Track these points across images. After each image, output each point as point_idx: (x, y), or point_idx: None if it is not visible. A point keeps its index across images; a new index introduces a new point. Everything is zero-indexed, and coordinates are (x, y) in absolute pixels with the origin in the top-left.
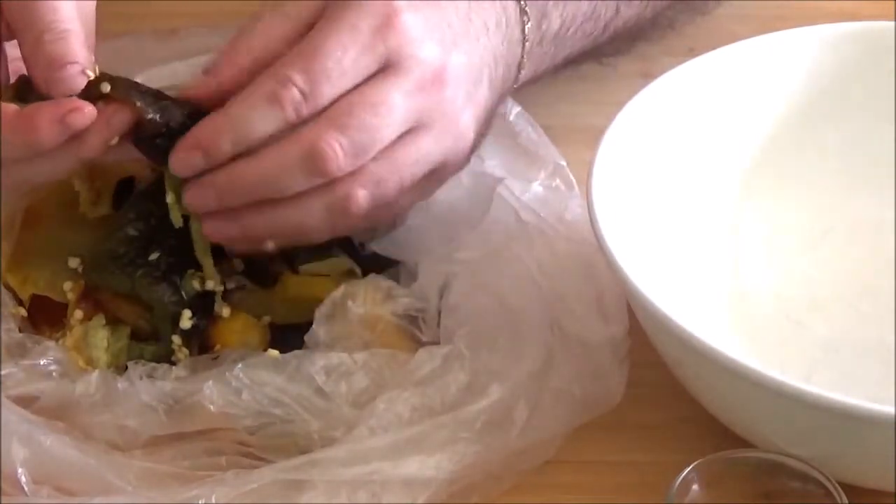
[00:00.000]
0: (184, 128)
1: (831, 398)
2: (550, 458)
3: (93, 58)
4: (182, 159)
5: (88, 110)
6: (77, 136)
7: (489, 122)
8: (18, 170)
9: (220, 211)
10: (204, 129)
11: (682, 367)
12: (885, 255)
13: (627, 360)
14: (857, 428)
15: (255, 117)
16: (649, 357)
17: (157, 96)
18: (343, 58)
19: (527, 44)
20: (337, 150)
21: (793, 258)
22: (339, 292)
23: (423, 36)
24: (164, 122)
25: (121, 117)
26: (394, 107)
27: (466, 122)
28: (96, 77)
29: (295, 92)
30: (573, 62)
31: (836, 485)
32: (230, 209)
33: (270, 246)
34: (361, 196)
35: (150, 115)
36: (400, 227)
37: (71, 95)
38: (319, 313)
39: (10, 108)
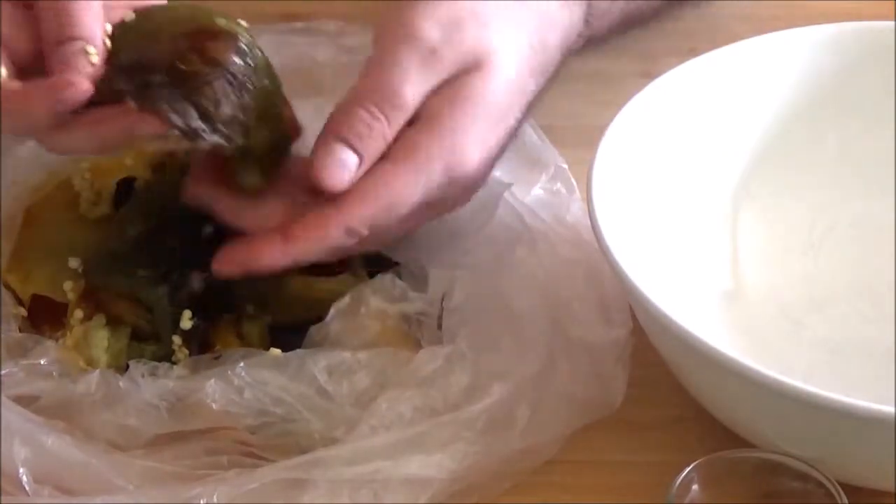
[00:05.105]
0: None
1: (831, 398)
2: (551, 458)
3: (102, 31)
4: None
5: (81, 89)
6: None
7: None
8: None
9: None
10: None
11: (682, 367)
12: (885, 255)
13: (628, 362)
14: (857, 428)
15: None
16: (649, 357)
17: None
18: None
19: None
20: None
21: (792, 258)
22: (357, 290)
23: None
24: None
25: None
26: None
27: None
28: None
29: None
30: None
31: (836, 485)
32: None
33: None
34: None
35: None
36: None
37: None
38: (335, 308)
39: (13, 84)
